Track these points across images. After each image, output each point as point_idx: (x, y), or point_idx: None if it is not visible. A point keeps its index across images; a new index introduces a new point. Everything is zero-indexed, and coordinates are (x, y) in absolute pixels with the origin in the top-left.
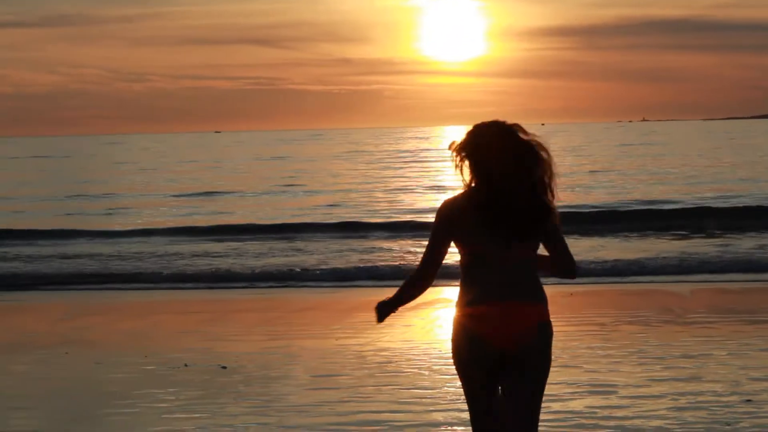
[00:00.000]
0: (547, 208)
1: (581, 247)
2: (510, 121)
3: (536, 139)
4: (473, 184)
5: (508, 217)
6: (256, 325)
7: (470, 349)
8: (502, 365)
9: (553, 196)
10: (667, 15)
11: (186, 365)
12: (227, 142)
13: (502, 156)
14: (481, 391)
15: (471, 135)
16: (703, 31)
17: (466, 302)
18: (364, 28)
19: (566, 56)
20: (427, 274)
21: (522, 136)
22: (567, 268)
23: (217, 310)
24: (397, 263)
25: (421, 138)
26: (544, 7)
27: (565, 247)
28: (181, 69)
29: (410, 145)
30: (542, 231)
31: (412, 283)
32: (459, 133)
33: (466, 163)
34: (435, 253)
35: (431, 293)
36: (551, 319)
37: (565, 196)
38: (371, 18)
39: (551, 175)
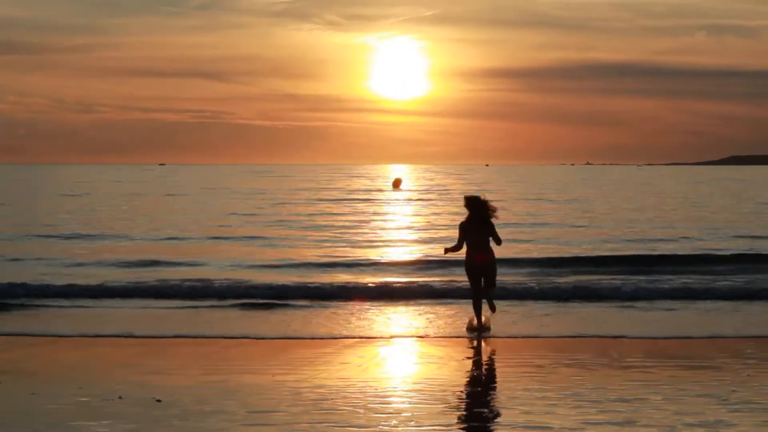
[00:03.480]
0: (487, 220)
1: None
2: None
3: (488, 198)
4: (468, 215)
5: (477, 225)
6: (193, 359)
7: (469, 266)
8: (480, 273)
9: (491, 216)
10: (608, 59)
11: (120, 398)
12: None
13: (476, 208)
14: (474, 282)
15: (468, 199)
16: (644, 76)
17: (467, 253)
18: (312, 65)
19: (509, 98)
20: (461, 246)
21: (483, 198)
22: (496, 242)
23: (154, 343)
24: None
25: (351, 176)
26: (486, 49)
27: (497, 234)
28: (128, 100)
29: (338, 182)
30: (488, 230)
31: (456, 249)
32: (404, 171)
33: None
34: (461, 238)
35: (368, 336)
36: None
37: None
38: (319, 55)
39: (492, 210)
